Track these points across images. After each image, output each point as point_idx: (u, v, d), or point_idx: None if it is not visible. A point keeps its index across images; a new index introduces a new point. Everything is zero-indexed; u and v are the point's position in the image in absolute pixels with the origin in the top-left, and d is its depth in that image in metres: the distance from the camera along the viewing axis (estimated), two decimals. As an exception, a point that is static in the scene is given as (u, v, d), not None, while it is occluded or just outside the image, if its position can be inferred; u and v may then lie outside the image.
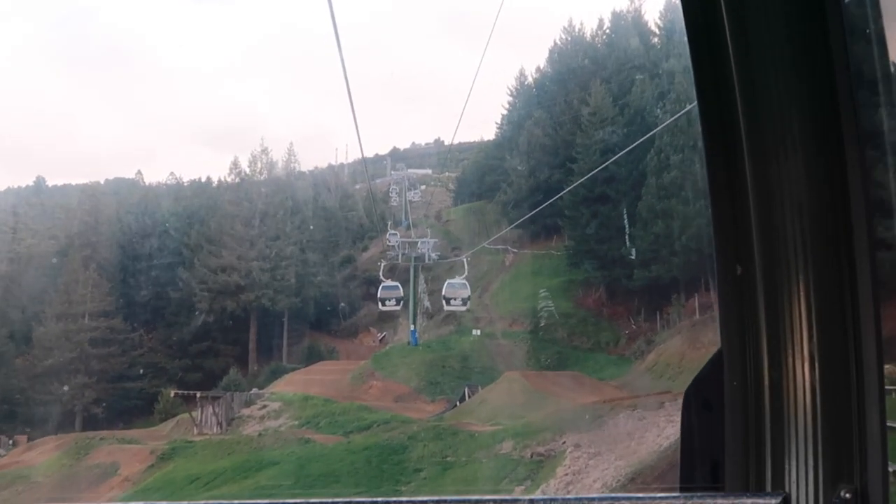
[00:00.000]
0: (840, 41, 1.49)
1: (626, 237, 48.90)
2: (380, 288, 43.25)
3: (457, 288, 40.66)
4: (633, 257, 47.78)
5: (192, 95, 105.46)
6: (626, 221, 48.15)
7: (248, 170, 65.73)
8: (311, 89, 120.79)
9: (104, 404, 53.88)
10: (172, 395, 44.05)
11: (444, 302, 41.66)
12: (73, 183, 73.91)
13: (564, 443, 26.11)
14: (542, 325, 51.66)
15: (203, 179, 76.49)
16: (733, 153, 1.58)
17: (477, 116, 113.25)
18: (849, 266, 1.49)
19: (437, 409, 41.09)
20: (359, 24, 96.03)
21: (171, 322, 60.53)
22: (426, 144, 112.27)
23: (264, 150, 66.36)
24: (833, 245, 1.51)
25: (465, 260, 43.41)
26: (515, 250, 62.47)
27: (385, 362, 48.25)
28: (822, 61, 1.51)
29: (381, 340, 60.50)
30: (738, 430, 1.61)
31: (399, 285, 43.59)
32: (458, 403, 40.22)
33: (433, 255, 54.20)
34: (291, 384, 46.16)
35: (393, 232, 60.39)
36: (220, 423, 39.44)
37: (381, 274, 45.86)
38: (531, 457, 26.34)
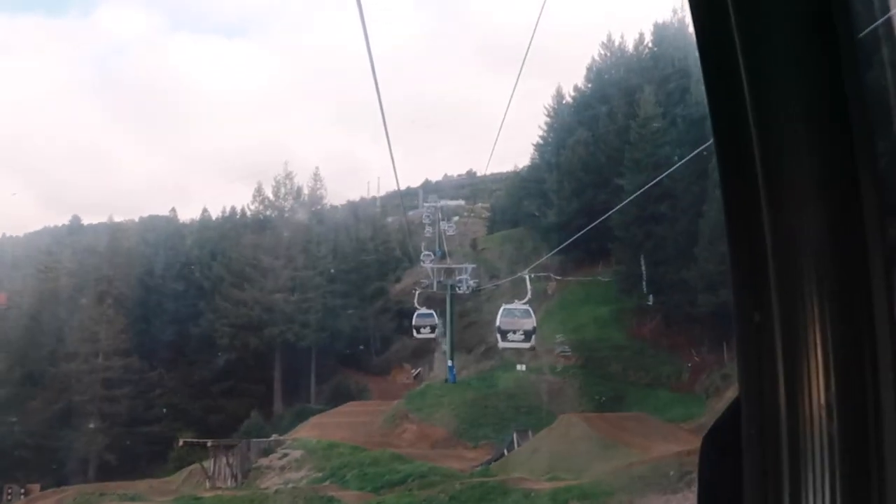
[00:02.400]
0: (855, 81, 1.48)
1: (683, 259, 43.78)
2: (414, 316, 42.87)
3: (517, 316, 31.33)
4: (689, 285, 42.61)
5: (226, 131, 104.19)
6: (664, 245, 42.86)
7: (271, 196, 61.92)
8: (343, 124, 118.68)
9: (118, 450, 50.58)
10: (181, 443, 39.50)
11: (498, 337, 32.25)
12: (108, 221, 72.55)
13: (648, 508, 20.84)
14: (592, 357, 46.66)
15: (228, 211, 72.94)
16: (751, 200, 1.56)
17: (510, 146, 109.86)
18: (867, 315, 1.47)
19: (481, 456, 35.94)
20: (388, 56, 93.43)
21: (192, 360, 56.92)
22: (458, 176, 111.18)
23: (288, 175, 62.60)
24: (851, 294, 1.49)
25: (526, 278, 31.82)
26: (558, 277, 57.86)
27: (420, 402, 43.38)
28: (837, 103, 1.49)
29: (415, 377, 56.15)
30: (755, 479, 1.57)
31: (433, 313, 43.00)
32: (505, 452, 34.69)
33: (471, 283, 49.48)
34: (317, 428, 41.54)
35: (427, 253, 56.54)
36: (234, 476, 34.85)
37: (415, 302, 44.14)
38: (606, 526, 21.08)
